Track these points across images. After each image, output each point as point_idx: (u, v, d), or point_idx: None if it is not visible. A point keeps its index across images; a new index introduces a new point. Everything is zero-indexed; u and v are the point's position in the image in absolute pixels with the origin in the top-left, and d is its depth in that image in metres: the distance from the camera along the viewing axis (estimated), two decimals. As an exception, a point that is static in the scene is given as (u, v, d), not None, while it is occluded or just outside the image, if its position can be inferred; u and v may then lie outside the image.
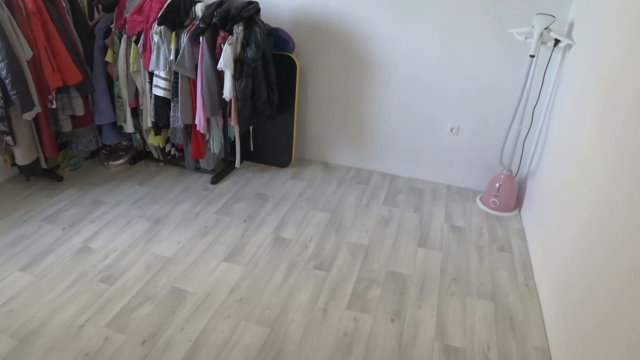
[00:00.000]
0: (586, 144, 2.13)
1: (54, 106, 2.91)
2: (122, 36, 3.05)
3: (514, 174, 3.21)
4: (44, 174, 3.29)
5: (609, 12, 2.17)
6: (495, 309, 2.32)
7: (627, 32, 1.91)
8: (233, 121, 3.08)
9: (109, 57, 3.11)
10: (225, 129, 3.30)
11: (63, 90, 2.96)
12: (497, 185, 3.14)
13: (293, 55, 3.28)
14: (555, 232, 2.35)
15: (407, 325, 2.18)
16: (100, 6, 3.19)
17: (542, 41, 2.77)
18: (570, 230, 2.13)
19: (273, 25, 3.29)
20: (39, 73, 2.75)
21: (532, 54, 2.77)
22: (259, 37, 2.87)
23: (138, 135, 3.45)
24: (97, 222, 2.85)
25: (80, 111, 3.08)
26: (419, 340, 2.10)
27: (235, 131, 3.32)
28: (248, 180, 3.43)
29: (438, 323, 2.21)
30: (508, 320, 2.25)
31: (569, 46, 2.73)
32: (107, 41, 3.08)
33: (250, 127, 3.54)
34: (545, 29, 2.68)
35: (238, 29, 2.86)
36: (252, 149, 3.64)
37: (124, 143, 3.57)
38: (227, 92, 2.93)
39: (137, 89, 3.18)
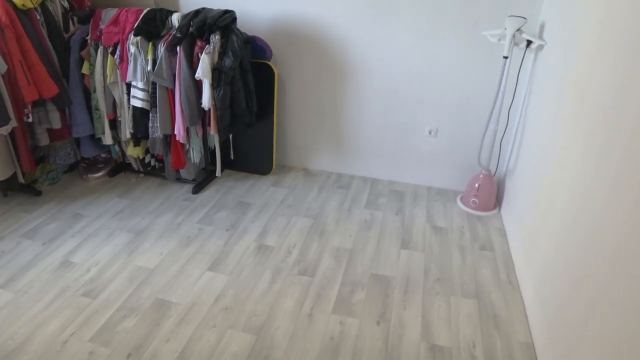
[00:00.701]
0: (561, 141, 2.18)
1: (30, 120, 2.88)
2: (98, 48, 3.03)
3: (493, 174, 3.26)
4: (22, 189, 3.24)
5: (576, 12, 2.23)
6: (479, 306, 2.35)
7: (594, 31, 1.97)
8: (212, 130, 3.07)
9: (85, 69, 3.09)
10: (205, 138, 3.29)
11: (39, 103, 2.93)
12: (476, 185, 3.18)
13: (271, 63, 3.30)
14: (535, 229, 2.39)
15: (393, 327, 2.20)
16: (75, 18, 3.17)
17: (514, 42, 2.83)
18: (548, 226, 2.17)
19: (250, 33, 3.30)
20: (14, 87, 2.72)
21: (505, 55, 2.82)
22: (236, 45, 2.88)
23: (117, 147, 3.42)
24: (77, 236, 2.81)
25: (57, 124, 3.05)
26: (405, 341, 2.12)
27: (215, 140, 3.32)
28: (229, 189, 3.42)
29: (423, 323, 2.23)
30: (492, 318, 2.28)
31: (540, 46, 2.79)
32: (83, 53, 3.06)
33: (230, 136, 3.54)
34: (517, 30, 2.73)
35: (215, 38, 2.87)
36: (232, 157, 3.64)
37: (102, 155, 3.54)
38: (206, 101, 2.92)
39: (114, 101, 3.16)
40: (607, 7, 1.87)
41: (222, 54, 2.90)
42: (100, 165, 3.54)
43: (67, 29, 3.14)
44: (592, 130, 1.81)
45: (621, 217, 1.45)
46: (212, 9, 2.94)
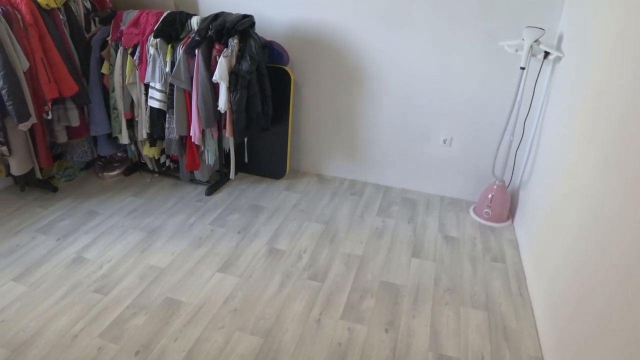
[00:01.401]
0: (575, 154, 2.16)
1: (49, 117, 2.93)
2: (118, 48, 3.08)
3: (507, 185, 3.24)
4: (39, 185, 3.29)
5: (595, 25, 2.22)
6: (488, 318, 2.33)
7: (611, 44, 1.96)
8: (228, 133, 3.10)
9: (105, 69, 3.13)
10: (220, 140, 3.32)
11: (59, 101, 2.98)
12: (490, 196, 3.17)
13: (287, 68, 3.32)
14: (547, 242, 2.37)
15: (401, 335, 2.19)
16: (97, 19, 3.22)
17: (532, 53, 2.82)
18: (561, 239, 2.15)
19: (268, 38, 3.33)
20: (35, 84, 2.77)
21: (522, 66, 2.81)
22: (253, 50, 2.91)
23: (133, 147, 3.46)
24: (91, 232, 2.85)
25: (75, 122, 3.09)
26: (413, 350, 2.11)
27: (230, 143, 3.34)
28: (242, 192, 3.44)
29: (432, 333, 2.22)
30: (502, 330, 2.26)
31: (558, 58, 2.77)
32: (103, 53, 3.11)
33: (245, 139, 3.57)
34: (535, 41, 2.72)
35: (233, 42, 2.90)
36: (246, 160, 3.66)
37: (119, 154, 3.59)
38: (222, 104, 2.95)
39: (132, 101, 3.20)
40: (625, 20, 1.86)
41: (240, 57, 2.92)
42: (116, 164, 3.58)
43: (88, 29, 3.19)
44: (607, 145, 1.79)
45: (632, 232, 1.44)
46: (231, 13, 2.97)
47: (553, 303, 2.11)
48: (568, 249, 2.03)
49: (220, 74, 2.86)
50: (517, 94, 2.91)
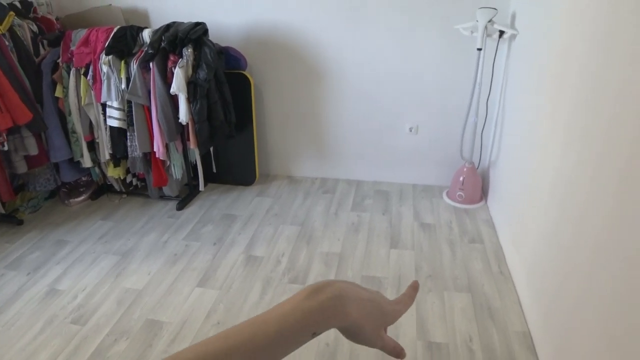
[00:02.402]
0: (541, 130, 2.18)
1: (5, 148, 2.83)
2: (70, 70, 2.99)
3: (476, 166, 3.27)
4: (3, 219, 3.18)
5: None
6: (472, 300, 2.34)
7: (565, 16, 1.98)
8: (192, 144, 3.05)
9: (58, 93, 3.04)
10: (185, 153, 3.26)
11: (14, 130, 2.88)
12: (461, 178, 3.19)
13: (246, 73, 3.28)
14: (522, 218, 2.39)
15: (388, 328, 2.17)
16: (45, 42, 3.13)
17: (487, 34, 2.84)
18: (535, 214, 2.17)
19: (223, 44, 3.28)
20: (-15, 116, 2.67)
21: (479, 47, 2.84)
22: (209, 57, 2.86)
23: (97, 169, 3.38)
24: (62, 262, 2.76)
25: (34, 150, 3.00)
26: (401, 341, 2.10)
27: (195, 154, 3.28)
28: (214, 203, 3.39)
29: (418, 321, 2.21)
30: (487, 310, 2.27)
31: (513, 36, 2.80)
32: (55, 76, 3.02)
33: (211, 149, 3.51)
34: (489, 21, 2.75)
35: (188, 52, 2.85)
36: (214, 170, 3.60)
37: (83, 179, 3.49)
38: (183, 115, 2.90)
39: (91, 122, 3.12)
40: (573, -9, 1.88)
41: (196, 66, 2.88)
42: (81, 189, 3.49)
43: (37, 53, 3.10)
44: (571, 117, 1.81)
45: (605, 203, 1.45)
46: (182, 23, 2.92)
47: (534, 278, 2.13)
48: (543, 224, 2.05)
49: (178, 86, 2.81)
50: (476, 76, 2.93)
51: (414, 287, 0.65)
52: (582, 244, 1.61)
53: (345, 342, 2.09)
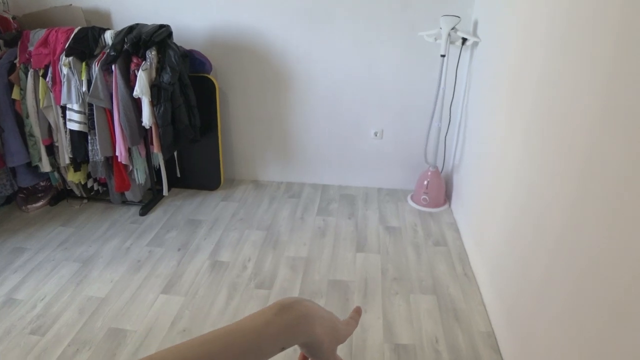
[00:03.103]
0: (500, 134, 2.24)
1: (-42, 152, 2.72)
2: (28, 71, 2.90)
3: (440, 170, 3.32)
4: (-45, 226, 3.05)
5: (507, 8, 2.31)
6: (438, 301, 2.38)
7: (523, 24, 2.04)
8: (156, 148, 2.99)
9: (15, 95, 2.94)
10: (148, 157, 3.20)
11: (-33, 134, 2.77)
12: (425, 182, 3.23)
13: (211, 76, 3.25)
14: (484, 220, 2.44)
15: (355, 332, 2.19)
16: (1, 41, 3.02)
17: (450, 41, 2.90)
18: (496, 217, 2.22)
19: (187, 47, 3.24)
20: (-63, 119, 2.56)
21: (442, 53, 2.89)
22: (173, 60, 2.82)
23: (56, 174, 3.28)
24: (19, 271, 2.66)
25: (-12, 155, 2.89)
26: (369, 344, 2.11)
27: (159, 158, 3.23)
28: (178, 208, 3.34)
29: (385, 324, 2.23)
30: (452, 311, 2.31)
31: (475, 43, 2.87)
32: (12, 78, 2.91)
33: (175, 153, 3.46)
34: (452, 29, 2.80)
35: (151, 54, 2.80)
36: (178, 175, 3.55)
37: (41, 183, 3.38)
38: (146, 119, 2.84)
39: (50, 125, 3.02)
40: (533, 2, 1.94)
41: (160, 69, 2.83)
42: (39, 195, 3.38)
43: (-8, 54, 2.99)
44: (528, 122, 1.87)
45: (563, 204, 1.50)
46: (146, 24, 2.87)
47: (496, 279, 2.18)
48: (504, 226, 2.10)
49: (141, 89, 2.76)
50: (440, 81, 2.98)
51: (358, 312, 0.70)
52: (541, 245, 1.65)
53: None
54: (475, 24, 2.89)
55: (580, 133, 1.41)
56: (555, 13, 1.68)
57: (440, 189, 3.25)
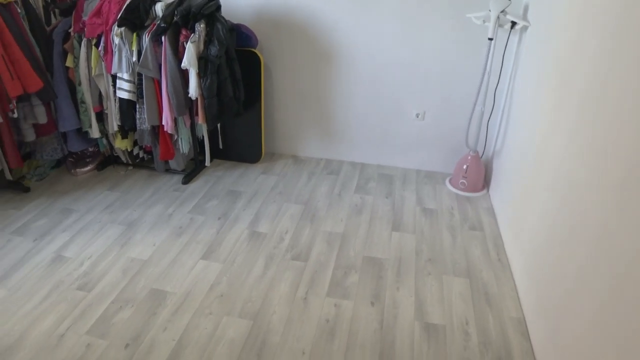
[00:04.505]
0: (546, 121, 2.21)
1: (15, 115, 2.85)
2: (81, 40, 3.00)
3: (481, 155, 3.30)
4: (10, 186, 3.22)
5: (560, -9, 2.25)
6: (470, 284, 2.39)
7: (577, 11, 1.99)
8: (200, 119, 3.07)
9: (69, 62, 3.06)
10: (193, 128, 3.28)
11: (24, 98, 2.90)
12: (464, 166, 3.22)
13: (257, 51, 3.29)
14: (522, 208, 2.43)
15: (387, 307, 2.23)
16: (57, 11, 3.13)
17: (499, 24, 2.85)
18: (535, 205, 2.20)
19: (235, 21, 3.29)
20: (-3, 82, 2.69)
21: (490, 37, 2.84)
22: (221, 33, 2.87)
23: (105, 140, 3.40)
24: (68, 230, 2.80)
25: (43, 119, 3.02)
26: (399, 321, 2.15)
27: (203, 130, 3.31)
28: (219, 178, 3.42)
29: (417, 303, 2.26)
30: (483, 295, 2.32)
31: (525, 28, 2.81)
32: (66, 46, 3.02)
33: (218, 125, 3.53)
34: (502, 12, 2.75)
35: (200, 27, 2.85)
36: (221, 146, 3.63)
37: (90, 149, 3.52)
38: (193, 90, 2.92)
39: (100, 93, 3.13)
40: (589, -16, 1.89)
41: (208, 42, 2.88)
42: (88, 159, 3.52)
43: (49, 22, 3.10)
44: (576, 113, 1.84)
45: (604, 195, 1.48)
46: (195, -2, 2.92)
47: (531, 266, 2.17)
48: (543, 214, 2.09)
49: (189, 60, 2.82)
50: (486, 65, 2.94)
51: None
52: (578, 244, 1.64)
53: (345, 319, 2.15)
54: (526, 8, 2.83)
55: (630, 129, 1.38)
56: (612, 3, 1.64)
57: (480, 174, 3.23)
